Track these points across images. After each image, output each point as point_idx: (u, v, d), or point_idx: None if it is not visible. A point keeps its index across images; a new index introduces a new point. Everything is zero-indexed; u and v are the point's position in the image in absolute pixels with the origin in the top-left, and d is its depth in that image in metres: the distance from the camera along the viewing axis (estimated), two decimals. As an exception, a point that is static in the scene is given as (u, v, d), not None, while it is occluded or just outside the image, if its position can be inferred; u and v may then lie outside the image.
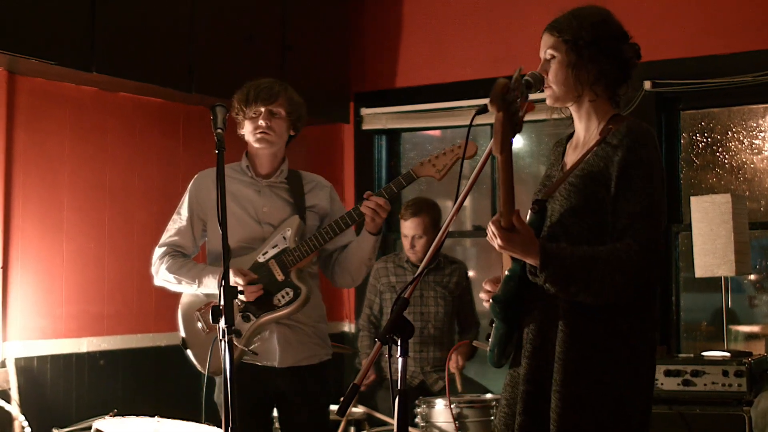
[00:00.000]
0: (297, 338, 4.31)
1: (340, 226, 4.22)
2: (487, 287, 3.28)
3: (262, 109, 4.27)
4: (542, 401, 3.07)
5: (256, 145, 4.31)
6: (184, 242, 4.38)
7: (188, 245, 4.39)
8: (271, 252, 4.26)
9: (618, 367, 3.04)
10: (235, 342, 4.08)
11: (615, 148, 3.03)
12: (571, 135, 3.35)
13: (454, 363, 5.85)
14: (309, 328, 4.35)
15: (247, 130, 4.31)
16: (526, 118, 3.02)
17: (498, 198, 2.97)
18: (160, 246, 4.39)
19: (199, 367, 4.32)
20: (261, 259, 4.26)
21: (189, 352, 4.31)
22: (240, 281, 4.13)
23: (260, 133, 4.27)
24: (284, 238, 4.27)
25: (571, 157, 3.25)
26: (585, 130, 3.23)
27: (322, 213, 4.44)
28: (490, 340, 3.28)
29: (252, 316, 4.20)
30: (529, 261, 3.00)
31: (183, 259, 4.35)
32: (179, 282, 4.32)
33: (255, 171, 4.37)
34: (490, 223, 2.98)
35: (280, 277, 4.23)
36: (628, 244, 2.97)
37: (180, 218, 4.39)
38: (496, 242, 2.98)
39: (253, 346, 4.18)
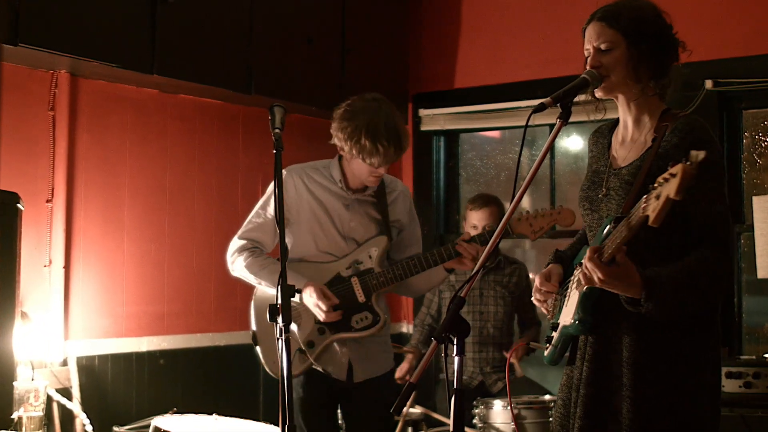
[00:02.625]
0: (368, 353, 4.35)
1: (430, 263, 4.25)
2: (543, 288, 3.28)
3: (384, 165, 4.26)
4: (603, 405, 3.06)
5: (367, 183, 4.31)
6: (264, 239, 4.35)
7: (267, 242, 4.37)
8: (354, 268, 4.29)
9: (689, 371, 3.02)
10: (308, 353, 4.15)
11: (676, 147, 2.96)
12: (613, 126, 3.32)
13: (513, 353, 5.84)
14: (380, 338, 4.39)
15: (360, 168, 4.26)
16: (572, 119, 3.01)
17: (613, 236, 2.83)
18: (240, 238, 4.35)
19: (265, 365, 4.31)
20: (344, 273, 4.27)
21: (258, 348, 4.29)
22: (323, 306, 4.16)
23: (375, 177, 4.29)
24: (370, 257, 4.29)
25: (621, 152, 3.21)
26: (635, 124, 3.18)
27: (401, 227, 4.47)
28: (552, 343, 3.27)
29: (328, 331, 4.24)
30: (628, 294, 2.91)
31: (263, 258, 4.32)
32: (259, 282, 4.30)
33: (346, 183, 4.34)
34: (587, 260, 2.86)
35: (361, 298, 4.26)
36: (712, 251, 2.95)
37: (264, 214, 4.35)
38: (596, 276, 2.85)
39: (323, 360, 4.23)
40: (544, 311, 3.33)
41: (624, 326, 3.02)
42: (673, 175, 2.53)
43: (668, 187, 2.54)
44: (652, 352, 3.00)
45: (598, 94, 3.15)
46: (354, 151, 4.18)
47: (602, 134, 3.35)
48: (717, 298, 3.04)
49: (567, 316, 3.16)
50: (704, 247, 2.96)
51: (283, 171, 4.27)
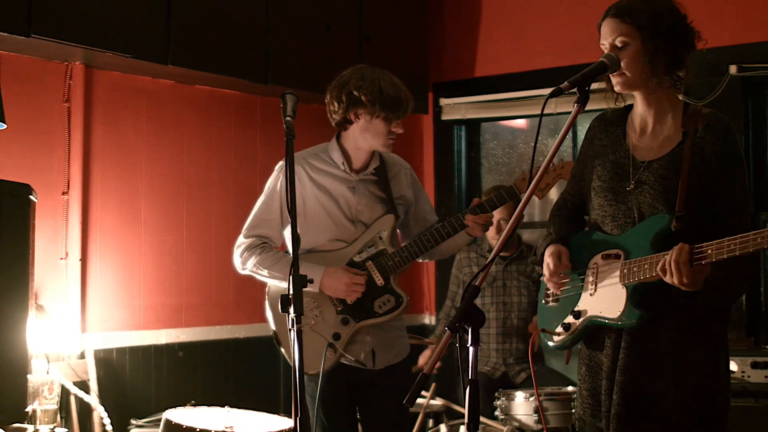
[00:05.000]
0: (389, 338, 4.29)
1: (443, 236, 4.19)
2: (557, 269, 3.30)
3: (402, 119, 4.20)
4: (642, 391, 3.09)
5: (383, 148, 4.22)
6: (272, 234, 4.26)
7: (275, 237, 4.28)
8: (367, 252, 4.21)
9: (720, 356, 3.13)
10: (336, 345, 4.09)
11: (712, 145, 3.05)
12: (622, 115, 3.33)
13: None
14: (398, 322, 4.33)
15: (378, 130, 4.16)
16: (592, 107, 3.02)
17: (721, 246, 2.88)
18: (247, 237, 4.25)
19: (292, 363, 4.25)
20: (357, 259, 4.20)
21: (283, 350, 4.21)
22: (359, 280, 4.10)
23: (392, 139, 4.21)
24: (380, 238, 4.22)
25: (644, 144, 3.22)
26: (655, 117, 3.21)
27: (408, 203, 4.41)
28: (569, 330, 3.27)
29: (352, 320, 4.17)
30: (688, 289, 2.96)
31: (274, 252, 4.23)
32: (273, 278, 4.21)
33: (349, 165, 4.26)
34: (680, 263, 2.90)
35: (380, 281, 4.18)
36: None
37: (269, 209, 4.25)
38: (679, 278, 2.91)
39: (351, 351, 4.16)
40: (556, 292, 3.35)
41: (665, 312, 3.08)
42: None
43: None
44: (693, 339, 3.07)
45: (617, 88, 3.18)
46: (377, 106, 4.10)
47: (611, 123, 3.36)
48: (746, 290, 3.34)
49: (601, 306, 3.18)
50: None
51: (281, 163, 4.26)
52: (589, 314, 3.20)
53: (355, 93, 4.12)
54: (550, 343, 3.34)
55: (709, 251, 2.87)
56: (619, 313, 3.11)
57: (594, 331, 3.22)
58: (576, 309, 3.24)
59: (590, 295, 3.22)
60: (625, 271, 3.12)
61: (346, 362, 4.17)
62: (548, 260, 3.30)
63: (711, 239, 2.97)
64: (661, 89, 3.16)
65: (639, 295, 3.07)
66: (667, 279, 2.93)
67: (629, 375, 3.10)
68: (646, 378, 3.09)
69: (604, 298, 3.16)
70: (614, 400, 3.11)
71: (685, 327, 3.06)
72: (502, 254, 6.04)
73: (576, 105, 2.96)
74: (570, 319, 3.26)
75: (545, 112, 2.95)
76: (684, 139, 3.08)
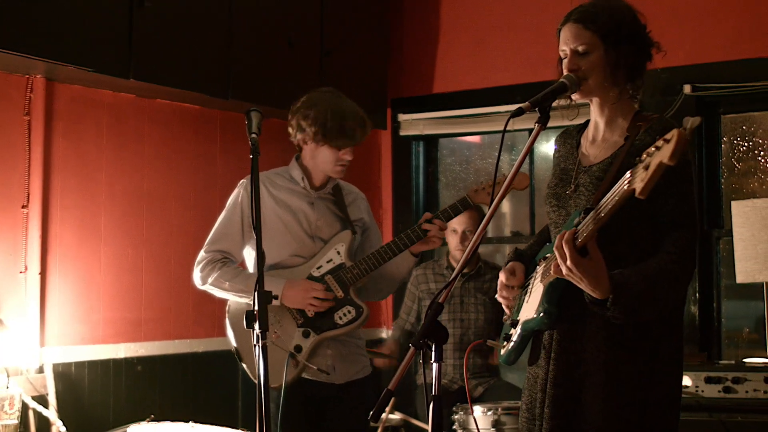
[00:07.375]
0: (349, 352, 4.33)
1: (400, 247, 4.24)
2: (509, 282, 3.24)
3: (351, 147, 4.26)
4: (572, 404, 3.03)
5: (333, 174, 4.30)
6: (233, 248, 4.29)
7: (236, 252, 4.31)
8: (326, 267, 4.25)
9: (658, 368, 3.00)
10: (298, 357, 4.11)
11: (646, 146, 2.84)
12: (582, 126, 3.29)
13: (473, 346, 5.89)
14: (357, 340, 4.38)
15: (325, 157, 4.25)
16: (551, 124, 2.97)
17: (590, 220, 2.80)
18: (207, 252, 4.28)
19: (254, 379, 4.22)
20: (315, 273, 4.24)
21: (244, 365, 4.22)
22: (318, 294, 4.15)
23: (341, 166, 4.28)
24: (338, 253, 4.27)
25: (591, 151, 3.17)
26: (607, 125, 3.15)
27: (364, 227, 4.46)
28: (510, 340, 3.22)
29: (312, 333, 4.20)
30: (594, 294, 2.85)
31: (234, 267, 4.27)
32: (233, 290, 4.22)
33: (309, 182, 4.32)
34: (564, 241, 2.79)
35: (339, 294, 4.23)
36: (674, 255, 2.92)
37: (230, 223, 4.29)
38: (566, 264, 2.80)
39: (313, 363, 4.17)
40: (507, 311, 3.27)
41: (593, 323, 2.99)
42: (667, 141, 2.50)
43: (661, 154, 2.51)
44: (624, 350, 2.98)
45: (575, 97, 3.11)
46: (320, 136, 4.20)
47: (570, 135, 3.31)
48: (678, 300, 3.02)
49: (529, 311, 3.11)
50: (668, 249, 2.94)
51: (244, 180, 4.32)
52: (521, 321, 3.14)
53: (302, 122, 4.23)
54: (500, 359, 3.30)
55: (582, 227, 2.81)
56: (533, 313, 3.05)
57: (530, 340, 3.17)
58: (517, 319, 3.18)
59: (526, 302, 3.17)
60: (543, 269, 3.09)
61: (308, 376, 4.19)
62: (501, 276, 3.26)
63: (648, 249, 2.95)
64: (619, 100, 3.10)
65: (555, 291, 2.99)
66: (564, 273, 2.82)
67: (558, 389, 3.04)
68: (574, 391, 3.02)
69: (532, 302, 3.10)
70: (545, 414, 3.05)
71: (616, 340, 2.97)
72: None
73: (537, 125, 2.92)
74: (512, 330, 3.21)
75: (502, 131, 2.97)
76: (625, 143, 3.01)
